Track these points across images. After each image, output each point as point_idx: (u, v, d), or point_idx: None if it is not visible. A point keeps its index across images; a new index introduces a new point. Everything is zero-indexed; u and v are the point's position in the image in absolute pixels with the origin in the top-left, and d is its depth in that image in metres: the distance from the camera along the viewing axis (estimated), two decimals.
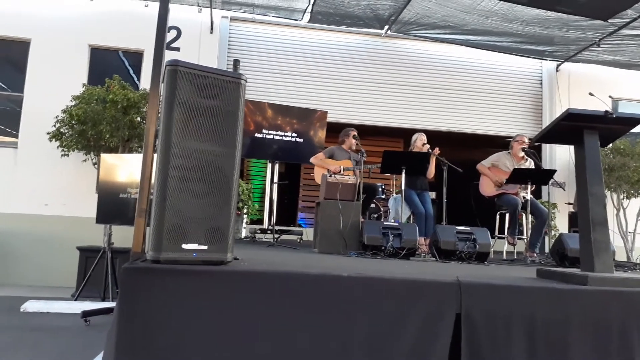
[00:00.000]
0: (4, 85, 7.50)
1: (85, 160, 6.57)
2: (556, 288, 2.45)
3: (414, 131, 6.09)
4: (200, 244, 2.28)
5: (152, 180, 2.39)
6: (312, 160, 5.87)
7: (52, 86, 6.94)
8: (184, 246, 2.24)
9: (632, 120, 2.95)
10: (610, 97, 6.39)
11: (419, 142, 5.77)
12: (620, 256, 6.93)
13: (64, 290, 5.87)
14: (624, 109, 8.40)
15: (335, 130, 6.51)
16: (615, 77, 8.40)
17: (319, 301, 2.24)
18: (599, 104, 4.58)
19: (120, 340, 2.06)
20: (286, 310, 2.21)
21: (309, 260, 3.54)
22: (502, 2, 6.45)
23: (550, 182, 5.55)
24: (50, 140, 6.28)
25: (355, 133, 5.84)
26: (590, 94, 4.81)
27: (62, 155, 6.32)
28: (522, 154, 5.67)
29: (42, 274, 6.61)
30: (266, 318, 2.18)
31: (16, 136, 7.14)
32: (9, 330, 4.03)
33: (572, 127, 2.89)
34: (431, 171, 5.65)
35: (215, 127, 2.36)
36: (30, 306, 4.81)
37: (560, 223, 7.51)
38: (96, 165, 6.34)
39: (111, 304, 4.37)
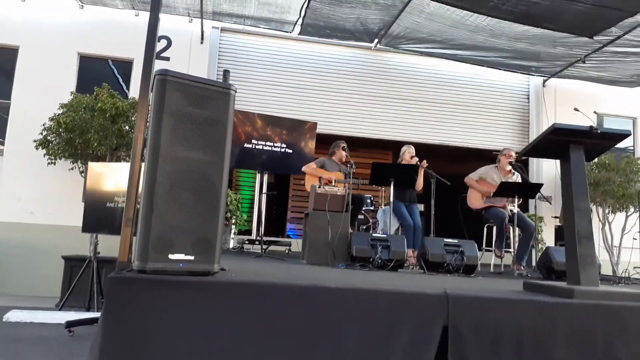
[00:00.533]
0: None
1: (72, 169, 6.50)
2: (542, 301, 2.47)
3: (403, 144, 6.13)
4: (187, 254, 2.26)
5: (140, 189, 2.37)
6: (304, 169, 5.87)
7: (40, 94, 6.89)
8: (171, 256, 2.22)
9: (616, 136, 3.01)
10: (595, 112, 6.48)
11: (407, 155, 5.82)
12: (606, 270, 7.00)
13: (48, 300, 5.78)
14: (609, 124, 8.53)
15: (325, 142, 6.53)
16: (600, 93, 8.54)
17: (307, 313, 2.23)
18: (585, 120, 4.64)
19: (104, 350, 2.03)
20: (273, 322, 2.19)
21: (297, 272, 3.53)
22: (490, 18, 6.55)
23: (537, 196, 5.61)
24: (37, 148, 6.22)
25: (345, 145, 5.88)
26: (576, 109, 4.85)
27: (48, 163, 6.25)
28: (509, 167, 5.73)
29: (26, 283, 6.50)
30: (253, 329, 2.16)
31: (2, 143, 7.06)
32: None
33: (558, 142, 2.93)
34: (419, 183, 5.69)
35: (203, 137, 2.36)
36: (13, 316, 4.71)
37: (547, 236, 7.57)
38: (83, 174, 6.28)
39: (96, 314, 4.31)
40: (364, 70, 8.35)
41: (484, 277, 4.40)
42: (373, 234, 4.64)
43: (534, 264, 5.86)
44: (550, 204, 5.88)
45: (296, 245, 6.56)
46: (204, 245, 2.30)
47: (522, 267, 5.31)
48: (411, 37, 7.56)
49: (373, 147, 9.21)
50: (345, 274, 3.60)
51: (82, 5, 7.28)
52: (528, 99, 8.81)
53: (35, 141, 6.21)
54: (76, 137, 6.02)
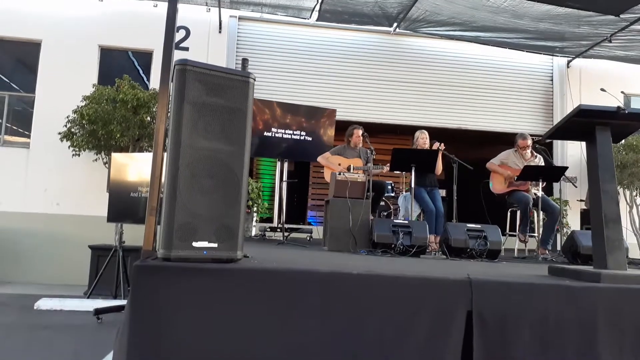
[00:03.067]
0: (16, 86, 7.58)
1: (96, 160, 6.62)
2: (568, 285, 2.43)
3: (423, 129, 6.06)
4: (210, 241, 2.28)
5: (162, 179, 2.40)
6: (318, 159, 5.85)
7: (63, 86, 7.01)
8: (194, 244, 2.25)
9: None
10: (622, 92, 6.33)
11: (421, 141, 5.74)
12: (634, 253, 6.85)
13: (76, 288, 5.93)
14: (637, 104, 8.30)
15: (345, 129, 6.49)
16: (628, 72, 8.31)
17: (329, 299, 2.24)
18: (611, 100, 4.53)
19: (131, 337, 2.07)
20: (296, 308, 2.21)
21: (318, 258, 3.55)
22: None
23: (561, 178, 5.51)
24: (62, 140, 6.34)
25: (361, 131, 5.77)
26: (602, 89, 4.73)
27: (73, 155, 6.37)
28: (528, 155, 5.64)
29: (54, 272, 6.67)
30: (276, 315, 2.18)
31: (28, 136, 7.22)
32: (22, 328, 4.08)
33: (583, 123, 2.86)
34: (438, 167, 5.60)
35: (224, 126, 2.37)
36: (44, 304, 4.86)
37: (572, 220, 7.45)
38: (107, 165, 6.39)
39: (123, 302, 4.39)
40: (384, 56, 8.26)
41: (508, 262, 4.35)
42: (395, 220, 4.62)
43: (559, 248, 5.78)
44: (575, 186, 5.78)
45: (317, 232, 6.59)
46: (226, 232, 2.33)
47: (547, 252, 5.24)
48: (431, 20, 7.43)
49: (393, 132, 9.14)
50: (367, 260, 3.60)
51: None
52: (552, 80, 8.61)
53: (59, 133, 6.33)
54: (99, 128, 6.11)
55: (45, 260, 6.76)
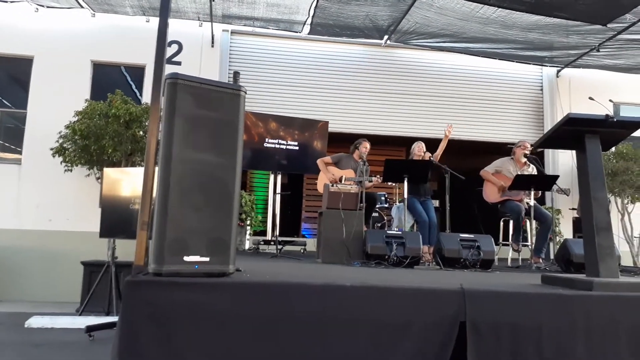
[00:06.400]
0: (7, 103, 7.56)
1: (88, 175, 6.59)
2: (561, 294, 2.43)
3: (415, 139, 6.10)
4: (202, 255, 2.28)
5: (154, 193, 2.39)
6: (318, 161, 5.83)
7: (55, 102, 6.99)
8: (186, 258, 2.24)
9: (633, 124, 2.95)
10: (611, 101, 6.39)
11: (417, 150, 5.79)
12: (626, 261, 6.88)
13: (68, 306, 5.86)
14: (626, 113, 8.39)
15: (337, 140, 6.53)
16: (616, 81, 8.40)
17: (322, 311, 2.23)
18: (600, 109, 4.57)
19: (122, 353, 2.05)
20: (289, 321, 2.20)
21: (312, 271, 3.54)
22: (500, 9, 6.48)
23: (555, 189, 5.53)
24: (54, 156, 6.31)
25: (366, 146, 5.79)
26: (591, 98, 4.76)
27: (65, 170, 6.34)
28: (524, 159, 5.66)
29: (46, 289, 6.60)
30: (269, 329, 2.17)
31: (20, 152, 7.18)
32: (13, 346, 4.02)
33: (573, 132, 2.88)
34: (442, 147, 5.80)
35: (215, 139, 2.37)
36: (35, 322, 4.79)
37: (565, 229, 7.47)
38: (99, 180, 6.36)
39: (115, 319, 4.33)
40: (375, 68, 8.32)
41: (501, 271, 4.35)
42: (388, 231, 4.62)
43: (552, 257, 5.79)
44: (568, 195, 5.80)
45: (311, 244, 6.57)
46: (218, 246, 2.32)
47: (540, 260, 5.24)
48: (421, 32, 7.51)
49: (386, 144, 9.16)
50: (361, 272, 3.59)
51: (94, 14, 7.38)
52: (542, 90, 8.70)
53: (52, 149, 6.30)
54: (91, 143, 6.10)
55: (37, 277, 6.69)
